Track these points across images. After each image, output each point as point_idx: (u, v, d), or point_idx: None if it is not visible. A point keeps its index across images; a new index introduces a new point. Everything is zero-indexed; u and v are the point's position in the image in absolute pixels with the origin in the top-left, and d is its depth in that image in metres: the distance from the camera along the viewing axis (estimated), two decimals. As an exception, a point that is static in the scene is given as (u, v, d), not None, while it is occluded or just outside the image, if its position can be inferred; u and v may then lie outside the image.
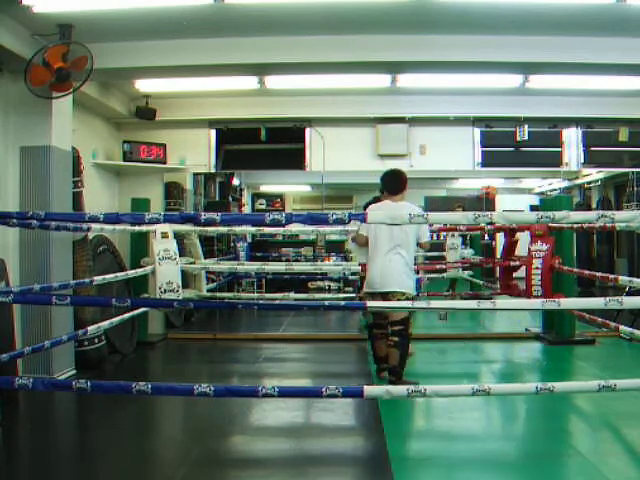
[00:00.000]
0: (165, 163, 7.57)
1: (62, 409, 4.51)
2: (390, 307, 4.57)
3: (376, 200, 6.78)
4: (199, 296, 7.01)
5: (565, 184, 10.25)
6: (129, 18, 4.70)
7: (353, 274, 8.08)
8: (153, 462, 3.54)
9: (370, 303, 4.42)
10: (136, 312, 5.82)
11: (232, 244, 9.06)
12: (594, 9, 4.56)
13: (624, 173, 9.47)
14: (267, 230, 7.33)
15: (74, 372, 5.19)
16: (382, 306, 4.44)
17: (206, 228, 6.59)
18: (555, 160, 8.25)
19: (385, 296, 4.70)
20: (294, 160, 8.12)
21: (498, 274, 8.23)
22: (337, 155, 7.84)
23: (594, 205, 10.57)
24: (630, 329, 5.09)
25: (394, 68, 5.91)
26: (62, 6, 4.41)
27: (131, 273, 6.00)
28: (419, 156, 7.93)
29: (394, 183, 5.01)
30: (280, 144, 8.17)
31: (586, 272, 6.29)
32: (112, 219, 3.63)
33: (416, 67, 5.76)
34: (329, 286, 9.79)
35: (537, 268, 6.14)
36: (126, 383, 3.30)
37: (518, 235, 7.29)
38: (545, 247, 6.16)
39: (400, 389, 3.32)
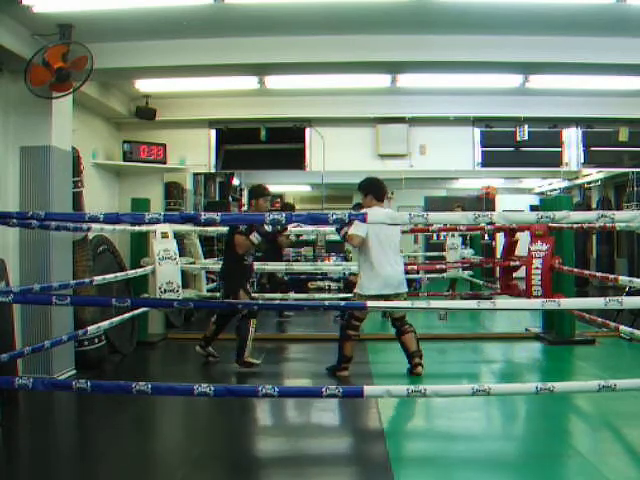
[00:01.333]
0: (165, 163, 7.57)
1: (62, 409, 4.51)
2: (392, 307, 4.60)
3: (357, 207, 6.87)
4: (199, 296, 7.01)
5: (565, 184, 10.27)
6: (129, 18, 4.70)
7: (353, 274, 8.07)
8: (153, 462, 3.53)
9: (371, 303, 4.42)
10: (136, 312, 5.83)
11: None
12: (594, 9, 4.56)
13: (624, 173, 9.48)
14: (267, 230, 7.33)
15: (74, 372, 5.19)
16: (383, 306, 4.45)
17: (206, 228, 6.59)
18: (555, 160, 8.25)
19: (388, 297, 4.94)
20: (294, 160, 8.13)
21: (498, 274, 8.24)
22: (337, 155, 7.85)
23: (594, 205, 10.58)
24: (630, 329, 5.10)
25: (394, 68, 5.92)
26: (62, 6, 4.41)
27: (131, 273, 6.01)
28: (419, 156, 7.94)
29: (382, 190, 5.18)
30: (280, 144, 8.18)
31: (586, 272, 6.30)
32: (112, 219, 3.63)
33: (416, 67, 5.76)
34: (329, 286, 9.80)
35: (537, 268, 6.14)
36: (126, 383, 3.30)
37: (518, 235, 7.30)
38: (545, 247, 6.16)
39: (400, 389, 3.32)
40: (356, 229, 4.89)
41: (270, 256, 7.63)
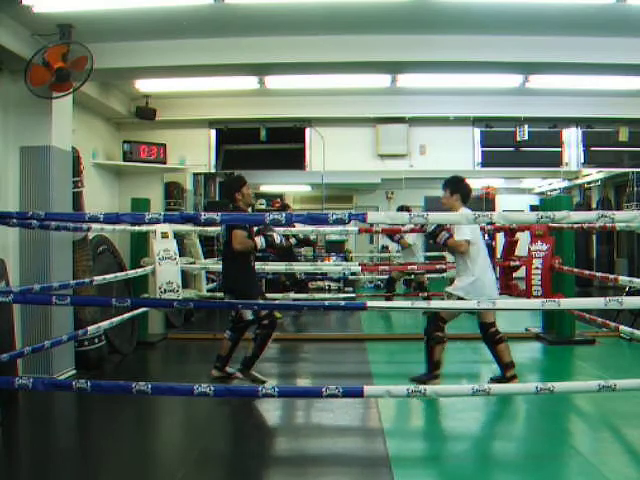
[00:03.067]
0: (165, 163, 7.57)
1: (62, 409, 4.51)
2: (391, 307, 4.59)
3: (402, 209, 6.76)
4: (199, 296, 7.01)
5: (565, 184, 10.27)
6: (129, 18, 4.70)
7: (353, 274, 8.08)
8: (153, 462, 3.54)
9: (371, 303, 4.41)
10: (136, 312, 5.83)
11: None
12: (594, 9, 4.56)
13: (624, 173, 9.48)
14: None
15: (74, 372, 5.19)
16: (382, 306, 4.44)
17: (206, 228, 6.59)
18: (555, 160, 8.25)
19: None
20: (294, 160, 8.13)
21: (498, 274, 8.24)
22: (337, 155, 7.85)
23: (594, 205, 10.58)
24: (630, 329, 5.10)
25: (394, 68, 5.92)
26: (62, 6, 4.42)
27: (131, 273, 6.01)
28: (419, 156, 7.95)
29: (470, 192, 4.93)
30: (280, 144, 8.18)
31: (586, 272, 6.30)
32: (112, 219, 3.64)
33: (416, 67, 5.76)
34: (329, 286, 9.81)
35: (537, 268, 6.15)
36: (126, 383, 3.30)
37: (518, 235, 7.29)
38: (545, 247, 6.16)
39: (400, 389, 3.32)
40: (462, 234, 4.53)
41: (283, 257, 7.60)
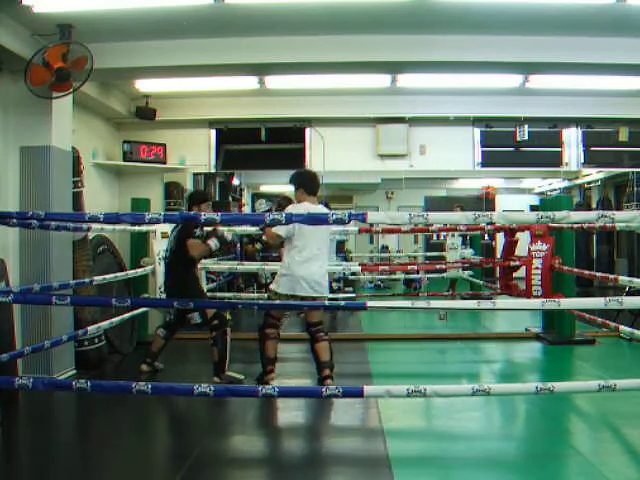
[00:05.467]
0: (165, 163, 7.58)
1: (62, 409, 4.51)
2: (390, 307, 4.58)
3: (285, 201, 6.33)
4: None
5: (565, 184, 10.28)
6: (129, 18, 4.70)
7: (353, 274, 8.09)
8: (153, 462, 3.53)
9: (371, 303, 4.41)
10: (136, 312, 5.83)
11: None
12: (594, 9, 4.56)
13: (624, 173, 9.49)
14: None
15: (74, 372, 5.19)
16: (383, 306, 4.44)
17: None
18: (555, 160, 8.26)
19: (304, 299, 4.63)
20: (294, 160, 8.12)
21: (498, 274, 8.24)
22: (337, 155, 7.85)
23: (594, 205, 10.59)
24: (630, 329, 5.10)
25: (394, 68, 5.92)
26: (62, 6, 4.42)
27: (131, 273, 6.01)
28: (419, 156, 7.94)
29: (314, 183, 4.91)
30: (280, 144, 8.18)
31: (586, 272, 6.29)
32: (112, 219, 3.64)
33: (416, 67, 5.77)
34: (329, 286, 9.78)
35: (537, 268, 6.14)
36: (126, 383, 3.30)
37: (518, 235, 7.30)
38: (545, 247, 6.16)
39: (400, 389, 3.32)
40: (277, 228, 4.57)
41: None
